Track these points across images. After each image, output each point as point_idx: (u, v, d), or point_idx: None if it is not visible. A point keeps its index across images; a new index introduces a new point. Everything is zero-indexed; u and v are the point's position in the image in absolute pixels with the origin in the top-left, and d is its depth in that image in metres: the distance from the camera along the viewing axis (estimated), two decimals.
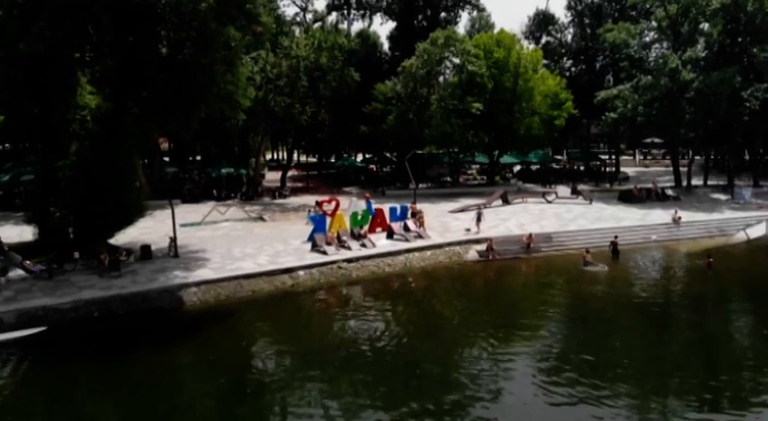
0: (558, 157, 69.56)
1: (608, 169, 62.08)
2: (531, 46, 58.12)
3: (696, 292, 24.56)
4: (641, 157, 75.10)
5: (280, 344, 19.26)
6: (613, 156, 67.90)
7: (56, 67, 23.55)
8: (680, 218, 34.80)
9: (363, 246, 28.57)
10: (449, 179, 55.95)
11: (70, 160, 25.19)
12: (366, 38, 68.04)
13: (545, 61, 57.09)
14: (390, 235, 30.53)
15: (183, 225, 34.81)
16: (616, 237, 30.23)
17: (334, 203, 30.50)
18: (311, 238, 28.64)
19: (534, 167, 61.60)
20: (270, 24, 29.01)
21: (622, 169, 63.40)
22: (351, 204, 31.35)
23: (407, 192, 48.97)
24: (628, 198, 42.57)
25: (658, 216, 37.14)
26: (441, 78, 49.36)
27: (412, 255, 28.50)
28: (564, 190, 49.90)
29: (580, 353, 17.87)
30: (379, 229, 32.00)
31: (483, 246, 30.03)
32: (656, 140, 76.22)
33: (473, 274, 27.37)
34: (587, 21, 63.96)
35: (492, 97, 47.46)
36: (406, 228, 30.92)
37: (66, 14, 22.16)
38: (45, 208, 24.85)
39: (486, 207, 40.43)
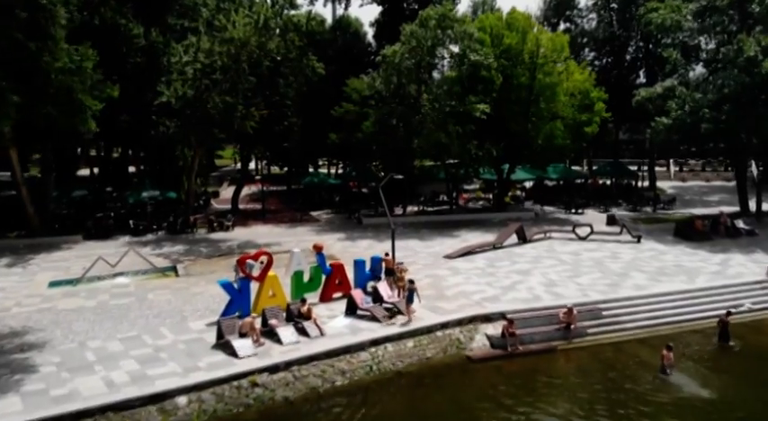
0: (577, 169, 59.33)
1: (640, 184, 51.98)
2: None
3: None
4: (676, 169, 64.87)
5: None
6: (644, 168, 57.96)
7: None
8: None
9: (304, 333, 18.21)
10: (444, 198, 45.69)
11: None
12: (347, 25, 58.53)
13: None
14: (352, 309, 20.19)
15: (54, 284, 24.63)
16: (729, 315, 20.08)
17: (264, 259, 20.25)
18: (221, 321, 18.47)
19: (549, 183, 51.40)
20: None
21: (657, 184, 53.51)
22: (293, 259, 21.01)
23: (392, 220, 38.66)
24: (688, 233, 32.35)
25: (741, 264, 26.96)
26: (434, 72, 39.12)
27: (383, 350, 18.19)
28: (594, 215, 39.82)
29: None
30: (338, 294, 21.73)
31: (496, 328, 19.78)
32: (692, 148, 66.51)
33: (478, 392, 16.86)
34: (615, 5, 54.14)
35: (502, 96, 37.23)
36: (377, 298, 20.62)
37: None
38: None
39: (496, 246, 30.32)
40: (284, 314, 19.04)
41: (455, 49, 37.14)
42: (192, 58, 32.63)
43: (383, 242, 30.68)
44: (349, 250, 30.12)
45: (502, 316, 20.25)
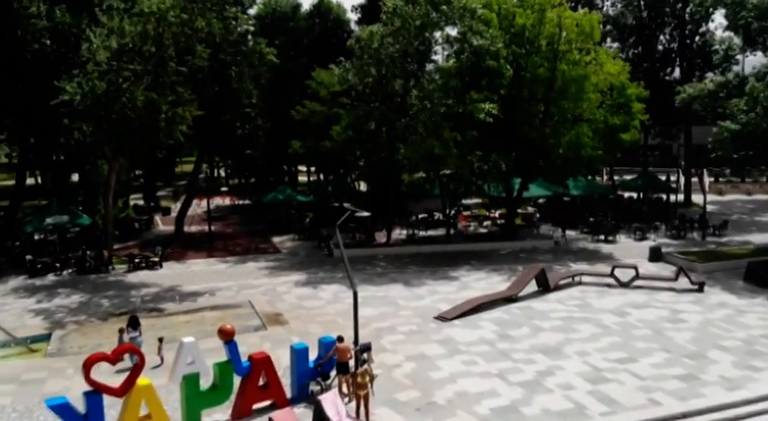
0: (597, 178, 51.40)
1: (672, 198, 44.33)
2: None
3: None
4: (711, 180, 56.97)
5: None
6: (674, 178, 50.26)
7: None
8: None
9: None
10: (441, 217, 37.83)
11: None
12: (327, 10, 51.11)
13: None
14: None
15: None
16: None
17: (135, 359, 12.62)
18: None
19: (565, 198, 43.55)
20: None
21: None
22: (181, 353, 13.23)
23: (373, 251, 31.11)
24: (764, 278, 24.56)
25: None
26: (426, 62, 31.36)
27: None
28: (629, 245, 32.43)
29: None
30: (262, 404, 13.98)
31: None
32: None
33: None
34: None
35: (513, 93, 29.63)
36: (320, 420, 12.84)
37: None
38: None
39: (511, 298, 22.63)
40: None
41: (452, 31, 29.52)
42: (101, 42, 24.95)
43: (358, 288, 22.95)
44: (304, 305, 22.32)
45: None
